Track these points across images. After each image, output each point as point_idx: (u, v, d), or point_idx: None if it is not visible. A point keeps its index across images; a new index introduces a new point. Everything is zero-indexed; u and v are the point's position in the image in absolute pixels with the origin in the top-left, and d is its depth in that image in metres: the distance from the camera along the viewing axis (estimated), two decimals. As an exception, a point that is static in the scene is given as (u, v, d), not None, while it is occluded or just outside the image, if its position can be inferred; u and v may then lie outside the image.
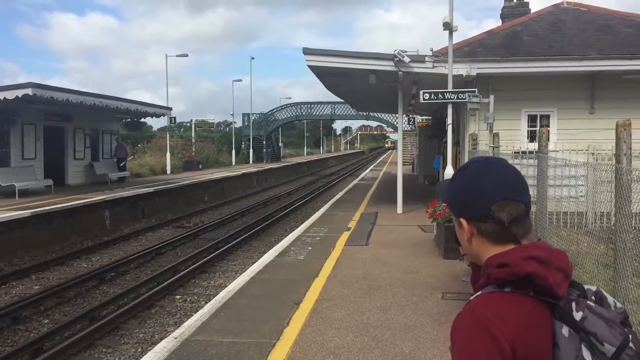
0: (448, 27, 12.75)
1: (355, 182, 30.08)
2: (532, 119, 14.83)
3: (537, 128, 14.82)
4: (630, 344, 1.28)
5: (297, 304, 6.92)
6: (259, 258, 10.89)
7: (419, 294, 7.33)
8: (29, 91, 16.32)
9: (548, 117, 14.76)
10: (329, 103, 50.78)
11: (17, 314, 9.72)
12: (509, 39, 15.12)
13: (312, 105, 53.62)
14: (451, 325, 1.37)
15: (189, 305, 10.31)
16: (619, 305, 1.37)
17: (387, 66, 14.19)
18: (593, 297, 1.36)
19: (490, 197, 1.41)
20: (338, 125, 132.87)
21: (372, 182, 28.39)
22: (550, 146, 14.23)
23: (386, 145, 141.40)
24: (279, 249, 10.89)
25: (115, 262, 13.54)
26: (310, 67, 14.73)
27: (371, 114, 49.50)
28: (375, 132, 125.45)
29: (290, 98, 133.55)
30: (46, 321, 9.64)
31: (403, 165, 43.88)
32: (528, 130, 14.72)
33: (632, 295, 4.53)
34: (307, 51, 14.34)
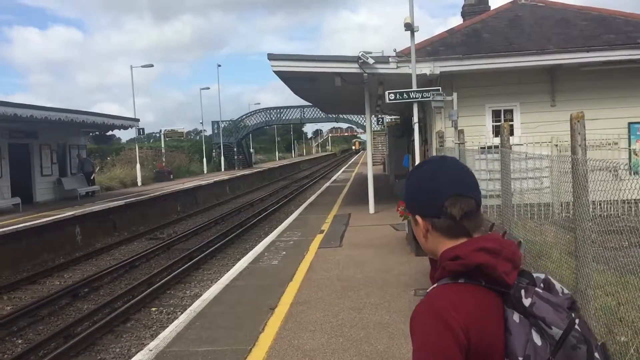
0: (409, 27, 12.94)
1: (327, 184, 30.18)
2: (496, 114, 15.12)
3: (502, 123, 15.14)
4: (576, 327, 1.38)
5: (272, 309, 6.97)
6: (234, 265, 10.89)
7: (392, 292, 7.44)
8: (-8, 109, 16.06)
9: (511, 111, 15.06)
10: (298, 107, 50.85)
11: (-12, 336, 9.56)
12: (470, 37, 15.39)
13: (282, 110, 53.64)
14: (410, 316, 1.46)
15: (165, 317, 10.25)
16: (566, 291, 1.47)
17: (352, 68, 14.33)
18: (542, 285, 1.46)
19: (442, 194, 1.50)
20: (309, 129, 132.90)
21: (344, 183, 28.54)
22: (515, 140, 14.64)
23: (353, 147, 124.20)
24: (252, 255, 10.91)
25: (88, 278, 13.38)
26: (276, 72, 14.79)
27: (341, 115, 49.72)
28: (346, 134, 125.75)
29: (259, 104, 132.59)
30: (20, 341, 9.51)
31: (374, 165, 44.16)
32: (493, 125, 14.99)
33: (594, 281, 4.69)
34: (272, 57, 14.40)
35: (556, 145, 14.54)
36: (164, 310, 10.66)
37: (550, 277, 1.49)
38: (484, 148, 12.13)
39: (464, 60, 14.21)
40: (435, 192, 1.51)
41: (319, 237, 12.37)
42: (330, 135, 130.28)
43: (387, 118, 35.67)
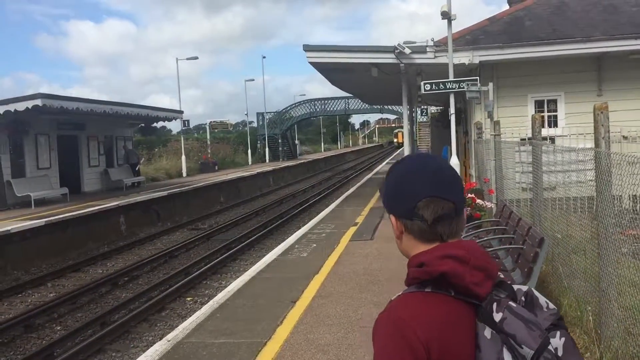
0: (446, 16, 12.67)
1: (369, 176, 30.04)
2: (539, 104, 14.68)
3: (545, 113, 14.68)
4: (550, 347, 1.26)
5: (294, 302, 6.97)
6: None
7: (416, 287, 7.31)
8: (39, 102, 16.62)
9: (555, 101, 14.58)
10: (342, 98, 50.64)
11: (30, 322, 9.93)
12: (512, 25, 14.96)
13: (327, 101, 53.57)
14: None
15: (199, 306, 10.35)
16: (551, 306, 1.36)
17: (389, 59, 14.16)
18: (522, 298, 1.34)
19: (416, 195, 1.40)
20: (356, 120, 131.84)
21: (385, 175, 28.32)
22: (558, 131, 14.17)
23: (395, 140, 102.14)
24: (283, 247, 10.96)
25: (129, 267, 13.74)
26: (312, 63, 14.75)
27: (385, 106, 49.28)
28: (393, 125, 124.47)
29: (305, 95, 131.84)
30: (59, 328, 9.83)
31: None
32: (535, 116, 14.53)
33: (616, 279, 4.48)
34: (307, 48, 14.36)
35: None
36: (199, 300, 10.82)
37: (533, 290, 1.37)
38: (525, 140, 11.78)
39: (504, 48, 13.82)
40: (409, 192, 1.41)
41: (352, 230, 12.31)
42: (377, 126, 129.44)
43: (432, 109, 35.17)
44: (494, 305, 1.29)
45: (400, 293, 1.39)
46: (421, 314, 1.30)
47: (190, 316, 7.14)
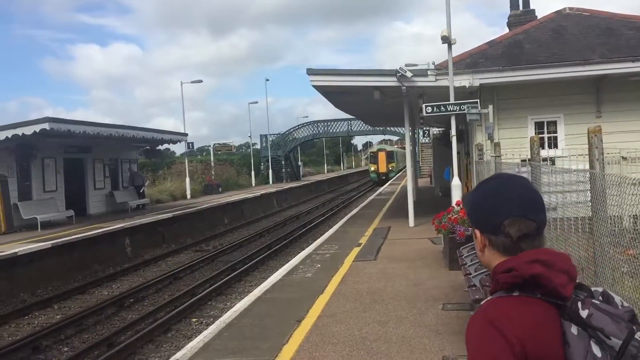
0: (446, 40, 12.92)
1: (372, 197, 30.15)
2: (539, 126, 14.85)
3: (545, 135, 14.86)
4: (636, 337, 1.36)
5: (299, 321, 7.08)
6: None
7: (419, 307, 7.44)
8: (46, 126, 16.87)
9: (555, 123, 14.77)
10: (345, 120, 50.95)
11: (37, 343, 10.03)
12: (511, 48, 15.22)
13: (329, 123, 53.89)
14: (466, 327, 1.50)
15: (204, 327, 10.45)
16: (626, 304, 1.44)
17: (391, 82, 14.39)
18: (600, 297, 1.44)
19: (502, 213, 1.51)
20: (358, 141, 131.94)
21: (388, 196, 28.45)
22: (558, 152, 14.34)
23: (373, 169, 56.14)
24: (287, 268, 11.08)
25: (135, 288, 13.85)
26: (316, 87, 15.00)
27: (388, 128, 49.55)
28: (396, 146, 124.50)
29: (308, 117, 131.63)
30: (65, 349, 9.92)
31: (422, 177, 43.70)
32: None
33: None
34: (311, 72, 14.61)
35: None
36: (204, 321, 10.90)
37: (608, 291, 1.48)
38: (525, 161, 11.93)
39: (503, 71, 14.06)
40: (496, 210, 1.53)
41: (355, 250, 12.44)
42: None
43: (434, 130, 35.45)
44: (579, 304, 1.40)
45: (489, 297, 1.51)
46: (514, 314, 1.41)
47: (197, 336, 7.24)
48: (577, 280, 1.48)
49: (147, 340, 10.01)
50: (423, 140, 48.76)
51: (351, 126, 51.84)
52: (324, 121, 54.86)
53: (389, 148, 54.55)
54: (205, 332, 7.05)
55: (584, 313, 1.38)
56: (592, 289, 1.47)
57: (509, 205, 1.51)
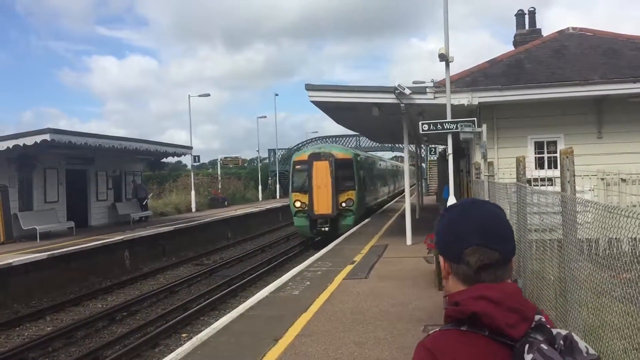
0: (444, 58, 12.87)
1: (375, 214, 29.98)
2: (539, 146, 14.70)
3: (545, 155, 14.70)
4: None
5: (276, 340, 6.98)
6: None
7: (400, 327, 7.31)
8: (47, 137, 16.98)
9: (555, 143, 14.61)
10: (353, 136, 51.04)
11: (24, 355, 10.00)
12: (511, 67, 15.13)
13: (338, 138, 53.98)
14: None
15: (191, 343, 10.42)
16: (591, 351, 1.35)
17: (389, 99, 14.34)
18: (562, 342, 1.34)
19: (463, 241, 1.46)
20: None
21: (392, 213, 28.28)
22: (557, 172, 14.17)
23: (298, 204, 22.55)
24: (277, 284, 10.98)
25: (129, 302, 13.81)
26: (314, 102, 14.98)
27: (396, 145, 49.47)
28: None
29: (317, 132, 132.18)
30: (51, 363, 9.88)
31: (429, 195, 43.39)
32: (536, 157, 14.57)
33: (580, 324, 4.47)
34: (309, 87, 14.60)
35: (602, 178, 13.99)
36: (194, 337, 10.80)
37: (573, 335, 1.37)
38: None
39: (503, 90, 13.96)
40: (458, 238, 1.48)
41: (348, 268, 12.32)
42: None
43: (440, 147, 35.31)
44: (526, 346, 1.32)
45: (437, 329, 1.46)
46: (449, 349, 1.37)
47: (169, 355, 7.15)
48: (539, 320, 1.40)
49: (134, 355, 9.95)
50: (431, 158, 48.68)
51: (359, 142, 51.87)
52: (332, 136, 54.95)
53: (344, 153, 24.51)
54: (178, 350, 6.97)
55: (527, 357, 1.30)
56: (555, 331, 1.37)
57: (470, 233, 1.46)
